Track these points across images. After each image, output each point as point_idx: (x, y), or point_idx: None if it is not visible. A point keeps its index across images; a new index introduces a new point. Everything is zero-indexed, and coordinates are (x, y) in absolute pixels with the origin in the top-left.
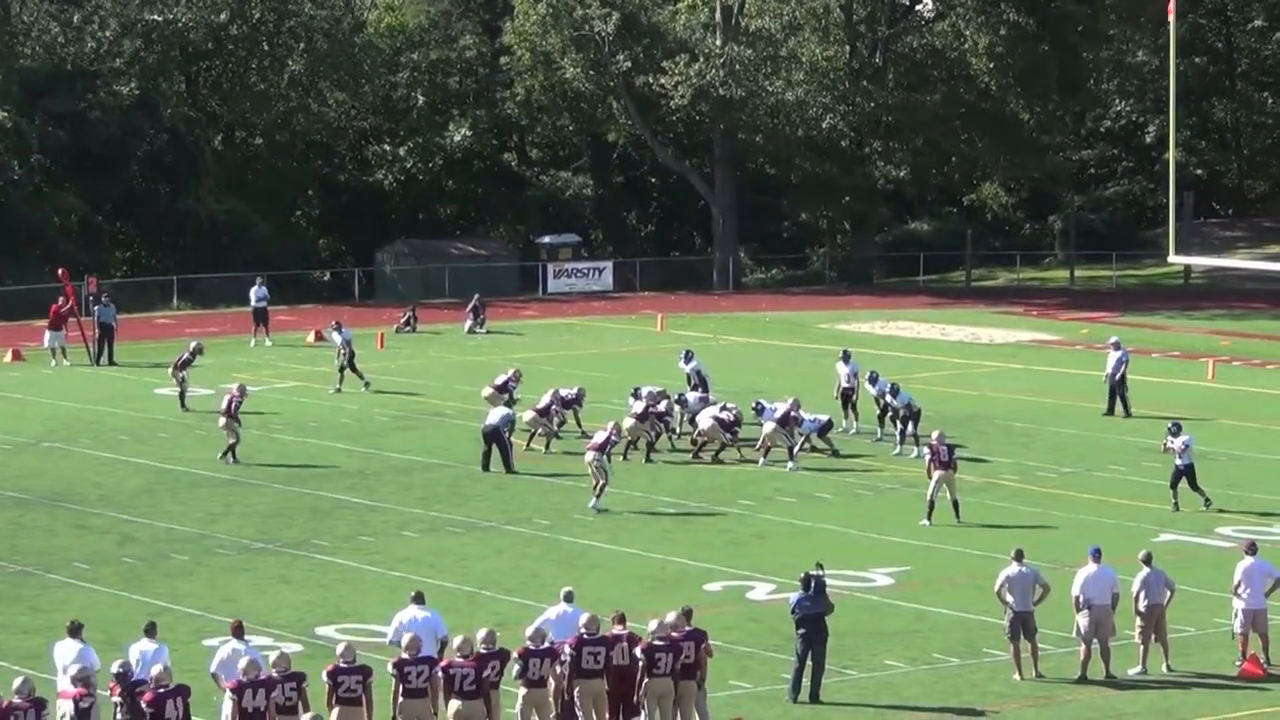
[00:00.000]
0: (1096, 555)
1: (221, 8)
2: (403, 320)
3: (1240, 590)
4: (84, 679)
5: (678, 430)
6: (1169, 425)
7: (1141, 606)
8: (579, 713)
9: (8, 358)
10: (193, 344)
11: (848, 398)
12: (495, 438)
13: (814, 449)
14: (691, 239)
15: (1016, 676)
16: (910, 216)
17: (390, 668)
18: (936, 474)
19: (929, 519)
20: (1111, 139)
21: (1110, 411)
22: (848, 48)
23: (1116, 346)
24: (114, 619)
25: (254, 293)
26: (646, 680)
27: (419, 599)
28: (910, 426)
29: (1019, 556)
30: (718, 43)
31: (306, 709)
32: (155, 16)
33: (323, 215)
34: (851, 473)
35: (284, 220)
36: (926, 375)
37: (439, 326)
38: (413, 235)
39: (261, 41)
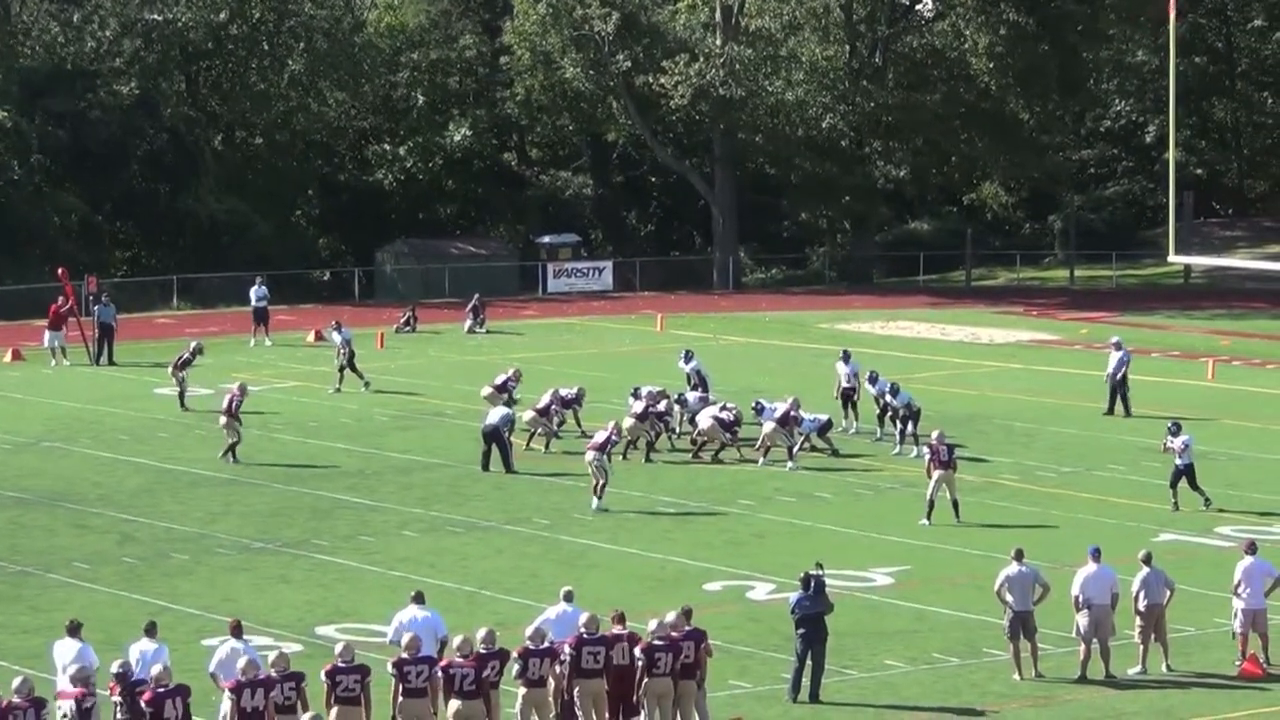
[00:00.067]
0: (1096, 555)
1: (221, 7)
2: (402, 320)
3: (1240, 590)
4: (83, 678)
5: (678, 430)
6: (1169, 425)
7: (1141, 606)
8: (579, 712)
9: (8, 357)
10: (193, 344)
11: (848, 397)
12: (495, 437)
13: (814, 449)
14: (691, 239)
15: (1016, 676)
16: (910, 216)
17: (390, 667)
18: (936, 474)
19: (929, 519)
20: (1111, 139)
21: (1110, 411)
22: (848, 47)
23: (1118, 346)
24: (114, 619)
25: (254, 292)
26: (646, 680)
27: (419, 599)
28: (910, 426)
29: (1019, 556)
30: (718, 42)
31: (306, 709)
32: (155, 16)
33: (323, 215)
34: (851, 472)
35: (284, 220)
36: (926, 375)
37: (439, 326)
38: (413, 235)
39: (261, 41)
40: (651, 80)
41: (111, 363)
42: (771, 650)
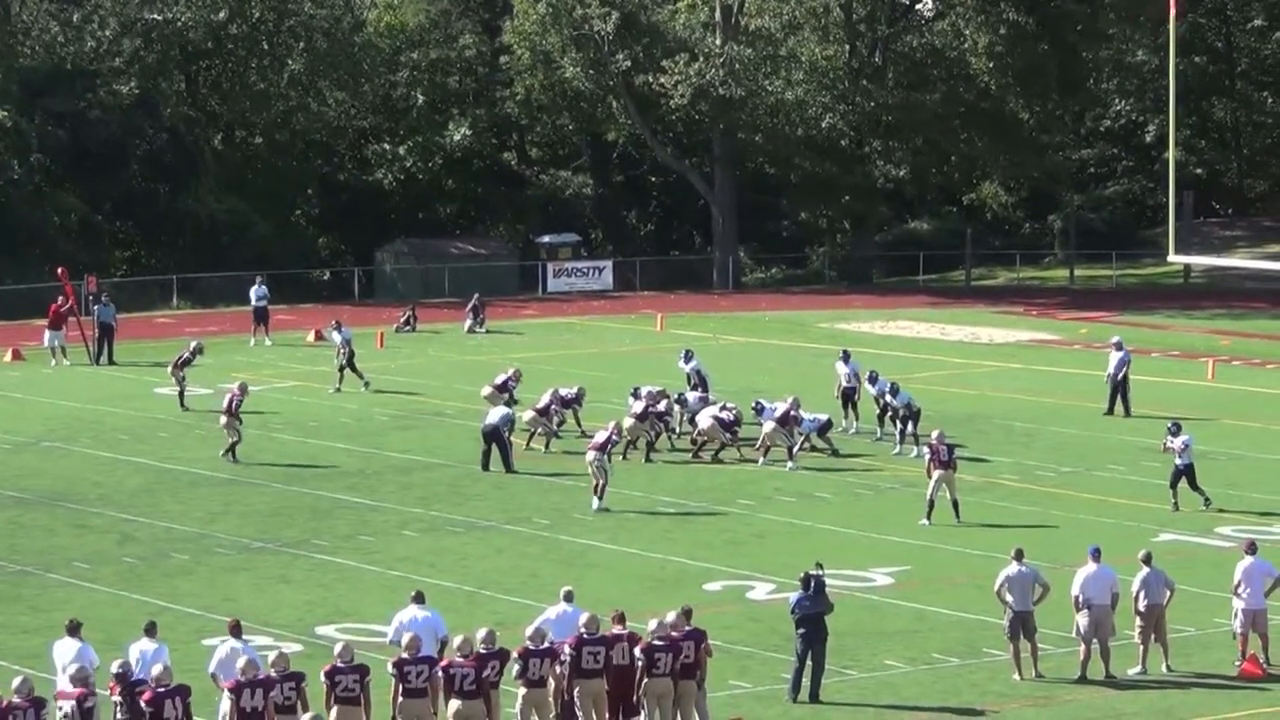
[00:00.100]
0: (1096, 555)
1: (221, 7)
2: (402, 320)
3: (1240, 590)
4: (83, 678)
5: (677, 430)
6: (1169, 425)
7: (1141, 606)
8: (579, 712)
9: (8, 357)
10: (193, 343)
11: (849, 397)
12: (495, 437)
13: (814, 448)
14: (691, 238)
15: (1016, 676)
16: (910, 216)
17: (390, 667)
18: (936, 473)
19: (928, 518)
20: (1111, 138)
21: (1110, 411)
22: (847, 47)
23: (1119, 346)
24: (114, 618)
25: (254, 292)
26: (646, 680)
27: (419, 598)
28: (910, 426)
29: (1019, 556)
30: (717, 42)
31: (306, 709)
32: (155, 16)
33: (322, 214)
34: (851, 472)
35: (284, 220)
36: (926, 375)
37: (439, 326)
38: (412, 234)
39: (261, 41)
40: (651, 80)
41: (111, 362)
42: (771, 650)
